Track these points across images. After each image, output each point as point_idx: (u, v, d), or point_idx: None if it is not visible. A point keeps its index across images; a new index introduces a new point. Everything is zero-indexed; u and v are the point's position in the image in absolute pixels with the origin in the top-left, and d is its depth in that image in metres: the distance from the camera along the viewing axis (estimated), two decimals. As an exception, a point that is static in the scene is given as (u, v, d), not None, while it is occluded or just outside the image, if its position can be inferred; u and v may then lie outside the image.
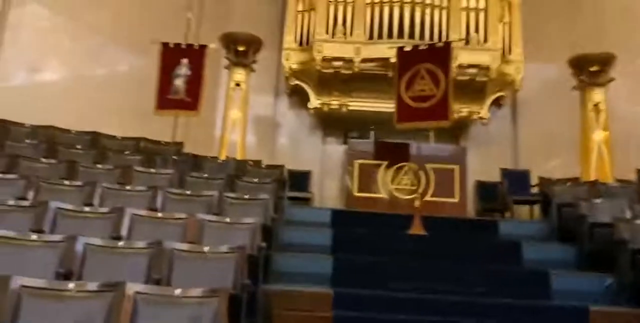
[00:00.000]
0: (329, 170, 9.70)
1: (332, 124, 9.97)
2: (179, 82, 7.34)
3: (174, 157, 6.87)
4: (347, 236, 5.98)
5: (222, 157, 7.44)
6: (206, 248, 3.65)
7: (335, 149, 9.73)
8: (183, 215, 4.31)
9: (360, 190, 7.94)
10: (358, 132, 9.16)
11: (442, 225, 6.67)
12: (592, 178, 7.31)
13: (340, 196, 9.01)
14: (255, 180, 6.22)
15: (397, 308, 4.51)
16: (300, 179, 9.26)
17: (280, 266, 5.18)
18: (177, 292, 3.17)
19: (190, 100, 7.32)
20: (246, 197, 5.34)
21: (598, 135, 7.48)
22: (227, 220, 4.45)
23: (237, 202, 5.29)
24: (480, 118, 9.04)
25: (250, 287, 3.63)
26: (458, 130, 9.79)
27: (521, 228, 6.77)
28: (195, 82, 7.43)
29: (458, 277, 5.17)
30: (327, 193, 9.54)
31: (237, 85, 8.28)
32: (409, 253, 5.68)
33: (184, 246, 3.69)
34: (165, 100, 7.30)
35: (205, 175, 6.08)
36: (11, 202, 4.37)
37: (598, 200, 6.02)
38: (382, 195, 7.91)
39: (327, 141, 10.13)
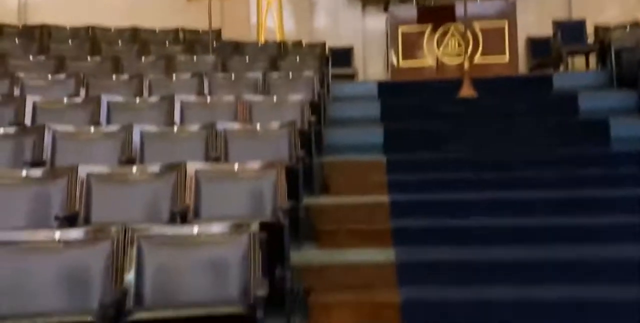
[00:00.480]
0: (371, 43, 9.40)
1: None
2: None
3: (214, 43, 6.78)
4: (395, 106, 5.93)
5: (262, 41, 7.29)
6: (258, 126, 3.70)
7: (377, 20, 9.34)
8: (231, 98, 4.33)
9: (405, 60, 7.72)
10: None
11: (493, 85, 6.48)
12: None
13: (385, 69, 8.80)
14: (297, 59, 6.12)
15: (452, 169, 4.53)
16: (342, 56, 9.06)
17: (332, 139, 5.24)
18: (236, 166, 3.28)
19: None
20: (290, 75, 5.29)
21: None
22: (275, 98, 4.46)
23: (282, 81, 5.26)
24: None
25: (304, 158, 3.71)
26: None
27: (577, 79, 6.52)
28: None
29: (513, 134, 5.10)
30: (372, 67, 9.34)
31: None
32: (460, 116, 5.61)
33: (236, 125, 3.75)
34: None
35: (247, 58, 6.01)
36: (66, 101, 4.49)
37: (660, 41, 5.65)
38: (429, 62, 7.68)
39: (367, 12, 9.72)
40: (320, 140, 4.93)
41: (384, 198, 3.95)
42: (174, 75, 5.09)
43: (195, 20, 7.52)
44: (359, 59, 9.49)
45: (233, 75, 5.17)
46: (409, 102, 6.06)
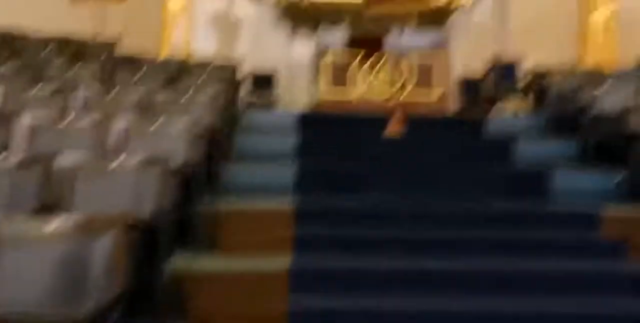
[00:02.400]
0: (298, 69, 8.71)
1: (299, 18, 8.84)
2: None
3: (104, 56, 5.83)
4: (313, 142, 5.17)
5: (163, 57, 6.39)
6: (116, 162, 2.76)
7: (307, 45, 8.68)
8: (92, 121, 3.37)
9: (331, 90, 7.05)
10: (329, 23, 8.07)
11: (422, 125, 5.89)
12: (593, 64, 6.44)
13: (310, 99, 8.11)
14: (199, 81, 5.27)
15: (367, 225, 3.76)
16: (264, 81, 8.32)
17: (234, 178, 4.40)
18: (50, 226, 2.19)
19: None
20: (184, 98, 4.43)
21: (602, 13, 6.47)
22: (156, 125, 3.57)
23: (172, 105, 4.37)
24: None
25: (178, 208, 2.83)
26: (439, 19, 8.75)
27: (512, 123, 6.00)
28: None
29: (441, 183, 4.44)
30: (297, 96, 8.61)
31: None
32: (383, 158, 4.92)
33: (85, 159, 2.79)
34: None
35: (139, 75, 5.10)
36: None
37: (603, 88, 5.21)
38: (357, 94, 7.04)
39: (295, 38, 9.05)
40: (215, 180, 4.08)
41: (285, 263, 3.12)
42: (33, 89, 4.09)
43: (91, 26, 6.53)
44: (282, 86, 8.75)
45: (114, 93, 4.24)
46: (329, 138, 5.33)
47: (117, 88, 4.42)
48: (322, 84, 7.08)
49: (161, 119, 3.68)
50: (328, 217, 3.74)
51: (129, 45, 6.81)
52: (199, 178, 3.46)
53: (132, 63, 5.91)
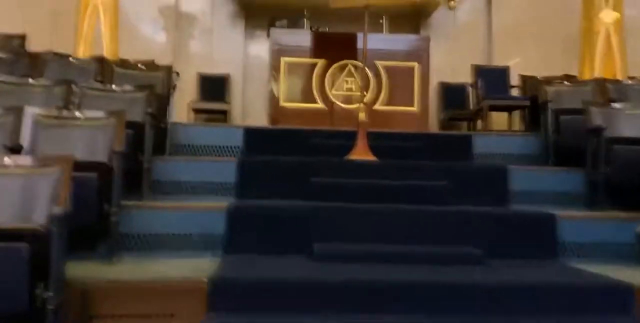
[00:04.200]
0: (254, 72, 7.62)
1: (256, 12, 7.73)
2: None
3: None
4: (259, 170, 4.08)
5: (80, 55, 5.21)
6: None
7: (262, 45, 7.58)
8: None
9: (288, 99, 5.96)
10: (288, 21, 6.96)
11: (396, 143, 4.83)
12: (596, 75, 5.46)
13: (267, 107, 7.04)
14: (116, 87, 4.16)
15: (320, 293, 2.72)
16: (214, 86, 7.22)
17: (142, 224, 3.30)
18: None
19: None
20: (78, 115, 3.32)
21: (607, 16, 5.49)
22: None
23: (66, 126, 3.26)
24: (448, -1, 6.83)
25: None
26: (417, 18, 7.73)
27: (503, 145, 4.94)
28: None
29: (422, 227, 3.39)
30: (255, 104, 7.52)
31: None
32: (347, 192, 3.85)
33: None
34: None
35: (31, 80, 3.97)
36: None
37: (618, 105, 4.21)
38: (319, 104, 5.96)
39: (252, 35, 7.94)
40: (110, 232, 2.98)
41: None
42: None
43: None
44: (237, 93, 7.64)
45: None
46: (280, 163, 4.23)
47: None
48: (277, 92, 5.98)
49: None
50: (257, 290, 2.66)
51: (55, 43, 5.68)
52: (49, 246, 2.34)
53: (37, 62, 4.76)
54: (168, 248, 3.29)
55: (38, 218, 2.36)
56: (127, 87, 4.21)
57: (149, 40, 7.21)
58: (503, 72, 6.53)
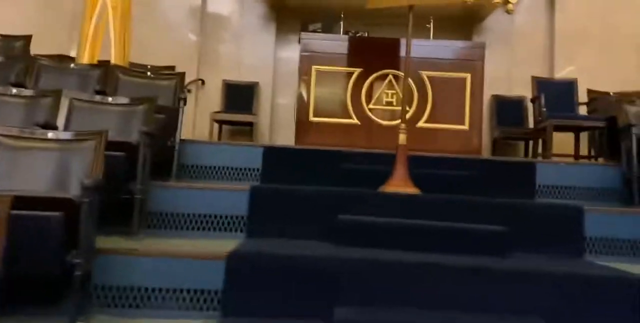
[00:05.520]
0: (285, 81, 6.92)
1: (289, 15, 7.03)
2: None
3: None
4: (272, 207, 3.35)
5: (84, 60, 4.59)
6: None
7: (295, 51, 6.87)
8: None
9: (318, 113, 5.23)
10: (323, 25, 6.22)
11: (444, 174, 4.02)
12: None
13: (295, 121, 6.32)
14: (112, 100, 3.51)
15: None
16: (241, 95, 6.56)
17: (133, 273, 2.62)
18: None
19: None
20: (51, 135, 2.71)
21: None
22: None
23: (32, 149, 2.63)
24: (507, 1, 5.93)
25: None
26: (469, 22, 6.89)
27: (573, 177, 4.08)
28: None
29: (475, 299, 2.60)
30: (282, 116, 6.81)
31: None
32: (383, 236, 3.08)
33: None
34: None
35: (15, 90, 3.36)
36: None
37: None
38: (352, 119, 5.21)
39: (284, 40, 7.24)
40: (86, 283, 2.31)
41: None
42: None
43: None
44: (265, 103, 6.95)
45: None
46: (300, 193, 3.49)
47: None
48: (310, 103, 5.26)
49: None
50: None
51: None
52: None
53: (39, 68, 4.17)
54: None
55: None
56: (122, 100, 3.55)
57: (172, 44, 6.60)
58: (570, 86, 5.62)
